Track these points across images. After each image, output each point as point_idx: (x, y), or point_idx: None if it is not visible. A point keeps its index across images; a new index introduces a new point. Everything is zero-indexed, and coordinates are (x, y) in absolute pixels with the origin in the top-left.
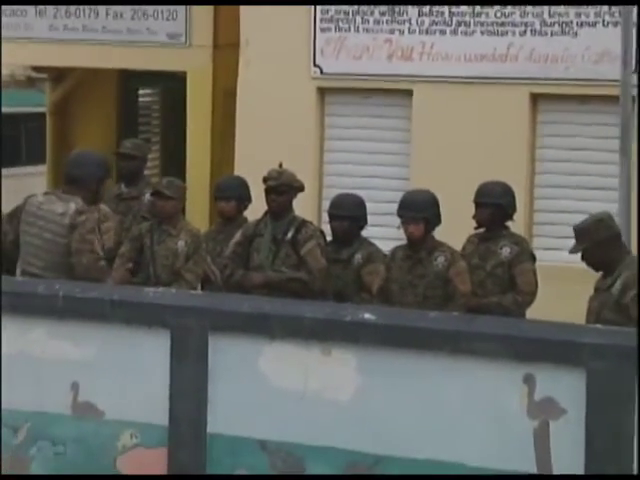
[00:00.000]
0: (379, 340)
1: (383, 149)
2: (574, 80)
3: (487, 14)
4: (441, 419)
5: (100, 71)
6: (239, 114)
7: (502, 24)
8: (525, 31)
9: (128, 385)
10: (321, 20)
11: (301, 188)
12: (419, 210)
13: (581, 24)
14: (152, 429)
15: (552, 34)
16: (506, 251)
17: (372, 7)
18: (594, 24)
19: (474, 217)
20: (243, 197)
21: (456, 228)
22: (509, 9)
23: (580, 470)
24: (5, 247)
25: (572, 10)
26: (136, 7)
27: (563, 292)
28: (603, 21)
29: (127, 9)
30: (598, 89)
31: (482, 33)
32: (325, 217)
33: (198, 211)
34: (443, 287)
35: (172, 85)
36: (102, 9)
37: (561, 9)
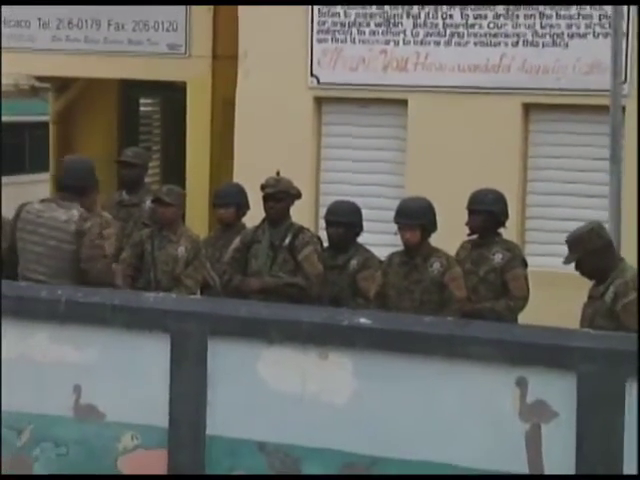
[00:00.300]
0: (375, 344)
1: (379, 157)
2: (565, 90)
3: (480, 25)
4: (436, 421)
5: (102, 81)
6: (238, 123)
7: (495, 35)
8: (517, 42)
9: (129, 388)
10: (318, 31)
11: (298, 195)
12: (416, 217)
13: (572, 35)
14: (152, 431)
15: (544, 45)
16: (498, 257)
17: (368, 19)
18: (584, 35)
19: (467, 224)
20: (241, 204)
21: (450, 234)
22: (502, 20)
23: (571, 471)
24: (2, 254)
25: (563, 22)
26: (137, 19)
27: (554, 297)
28: (593, 32)
29: (128, 20)
30: (588, 99)
31: (475, 44)
32: (322, 224)
33: (198, 217)
34: (439, 292)
35: (172, 95)
36: (104, 20)
37: (553, 21)
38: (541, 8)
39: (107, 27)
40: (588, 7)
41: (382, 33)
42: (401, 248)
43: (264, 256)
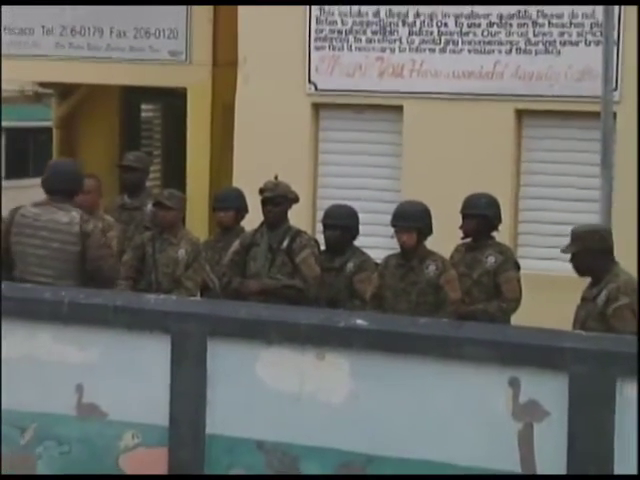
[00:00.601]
0: (371, 345)
1: (375, 162)
2: (557, 97)
3: (474, 33)
4: (431, 421)
5: (104, 87)
6: (237, 128)
7: (489, 43)
8: (511, 50)
9: (130, 387)
10: (316, 39)
11: (296, 199)
12: (412, 220)
13: (564, 43)
14: (153, 430)
15: (536, 53)
16: (491, 260)
17: (364, 27)
18: (576, 43)
19: (461, 227)
20: (241, 208)
21: (444, 238)
22: (495, 29)
23: (563, 470)
24: None
25: (555, 30)
26: (139, 26)
27: (546, 299)
28: (585, 40)
29: (130, 28)
30: (580, 105)
31: (469, 51)
32: (319, 227)
33: (198, 221)
34: (434, 294)
35: (173, 101)
36: (106, 28)
37: (545, 29)
38: (534, 16)
39: (109, 34)
40: (580, 15)
41: (378, 41)
42: (397, 251)
43: (263, 259)
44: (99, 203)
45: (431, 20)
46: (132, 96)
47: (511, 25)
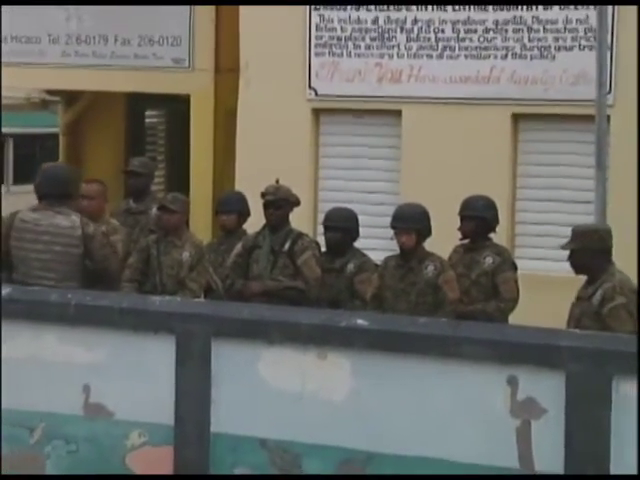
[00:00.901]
0: (372, 344)
1: (374, 165)
2: (553, 101)
3: (471, 39)
4: (430, 418)
5: (109, 94)
6: (239, 133)
7: (485, 48)
8: (506, 55)
9: (136, 387)
10: (316, 45)
11: (297, 202)
12: (411, 222)
13: (559, 48)
14: (159, 429)
15: (532, 58)
16: (489, 261)
17: (363, 33)
18: (571, 48)
19: (459, 229)
20: (243, 211)
21: (443, 239)
22: (491, 34)
23: (560, 465)
24: None
25: (550, 35)
26: (142, 34)
27: (543, 299)
28: (579, 45)
29: (134, 36)
30: (575, 109)
31: (466, 57)
32: (320, 229)
33: (201, 224)
34: (433, 294)
35: (176, 107)
36: (111, 36)
37: (540, 34)
38: (529, 22)
39: (114, 42)
40: (574, 21)
41: (377, 47)
42: (396, 252)
43: (265, 261)
44: (105, 208)
45: (428, 26)
46: (136, 103)
47: (507, 31)
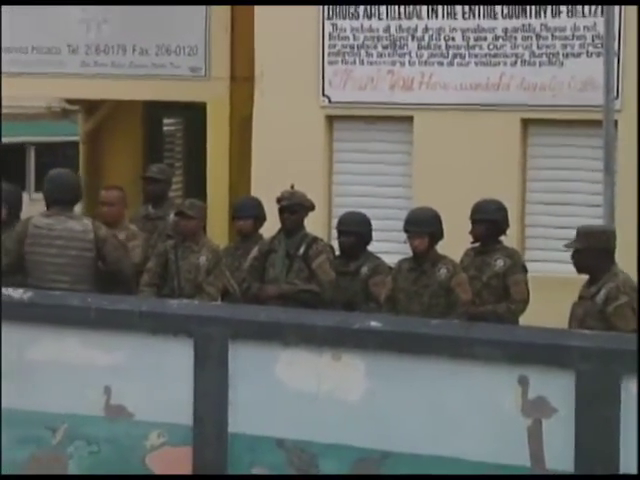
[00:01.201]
0: (385, 346)
1: (387, 171)
2: (561, 106)
3: (480, 47)
4: (443, 418)
5: (128, 103)
6: (255, 140)
7: (495, 55)
8: (516, 62)
9: (156, 389)
10: (329, 54)
11: (312, 207)
12: (424, 226)
13: (567, 55)
14: (178, 429)
15: (540, 64)
16: (500, 263)
17: (375, 41)
18: (579, 55)
19: (471, 232)
20: (259, 216)
21: (454, 242)
22: (501, 42)
23: (570, 464)
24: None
25: (558, 42)
26: (160, 44)
27: (553, 300)
28: (587, 52)
29: (152, 46)
30: (583, 114)
31: (476, 64)
32: (334, 233)
33: (218, 229)
34: (446, 296)
35: (193, 114)
36: (129, 46)
37: (549, 41)
38: (537, 30)
39: (132, 52)
40: (582, 28)
41: (389, 55)
42: (409, 255)
43: (280, 264)
44: (124, 214)
45: (439, 34)
46: (154, 111)
47: (516, 38)
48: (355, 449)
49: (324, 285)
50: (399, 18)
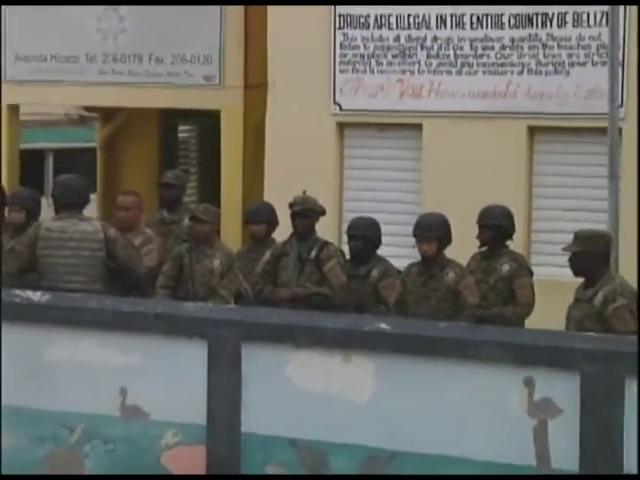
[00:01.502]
0: (394, 348)
1: (396, 177)
2: (566, 114)
3: (488, 56)
4: (450, 418)
5: (144, 110)
6: (267, 147)
7: (502, 64)
8: (522, 71)
9: (170, 389)
10: (340, 62)
11: (323, 212)
12: (432, 230)
13: (572, 64)
14: (192, 428)
15: (546, 73)
16: (506, 267)
17: (385, 51)
18: (584, 64)
19: (478, 237)
20: (271, 221)
21: (462, 247)
22: (508, 51)
23: (575, 463)
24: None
25: (564, 52)
26: (175, 53)
27: (558, 304)
28: (592, 61)
29: (167, 55)
30: (588, 122)
31: (484, 73)
32: (345, 238)
33: (231, 233)
34: (453, 299)
35: (208, 122)
36: (145, 55)
37: (554, 51)
38: (544, 39)
39: (148, 61)
40: (587, 38)
41: (398, 64)
42: (418, 259)
43: (292, 268)
44: (140, 218)
45: (448, 44)
46: (170, 118)
47: (522, 48)
48: (365, 448)
49: (335, 288)
50: (409, 28)
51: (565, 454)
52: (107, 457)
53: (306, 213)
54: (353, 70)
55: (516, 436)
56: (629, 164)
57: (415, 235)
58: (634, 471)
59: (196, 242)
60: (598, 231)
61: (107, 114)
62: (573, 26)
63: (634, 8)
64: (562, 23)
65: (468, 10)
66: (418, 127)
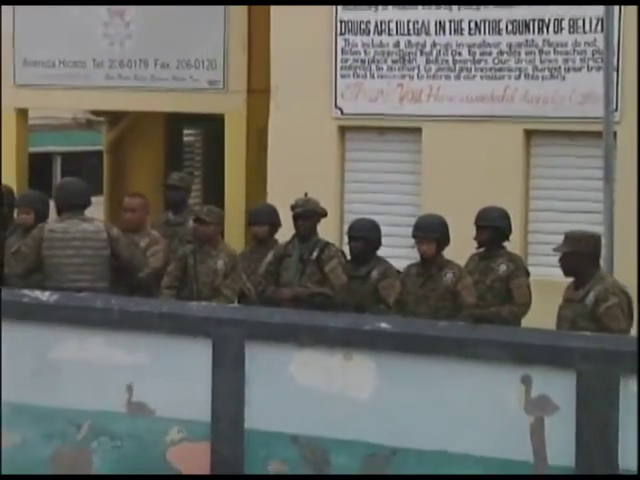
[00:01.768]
0: (394, 346)
1: (396, 179)
2: (563, 118)
3: (486, 61)
4: (449, 415)
5: (150, 114)
6: (270, 150)
7: (499, 69)
8: (519, 75)
9: (175, 387)
10: (341, 68)
11: (324, 214)
12: (431, 231)
13: (568, 69)
14: (196, 425)
15: (543, 78)
16: (503, 268)
17: (385, 56)
18: (579, 69)
19: (475, 238)
20: (274, 222)
21: (460, 248)
22: (505, 56)
23: (571, 459)
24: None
25: (560, 57)
26: (180, 58)
27: (554, 303)
28: (587, 66)
29: (172, 60)
30: (584, 126)
31: (482, 77)
32: (346, 239)
33: (235, 234)
34: (452, 299)
35: (212, 125)
36: (151, 60)
37: (551, 56)
38: (540, 45)
39: (154, 66)
40: (582, 43)
41: (398, 69)
42: (417, 260)
43: (294, 268)
44: (146, 220)
45: (446, 49)
46: (175, 122)
47: (519, 53)
48: (366, 445)
49: (336, 288)
50: (408, 34)
51: (561, 450)
52: (114, 453)
53: (308, 215)
54: (354, 75)
55: (514, 432)
56: (623, 167)
57: (414, 236)
58: (629, 467)
59: (200, 243)
60: (588, 232)
61: (114, 118)
62: (569, 32)
63: (629, 13)
64: (558, 29)
65: (466, 16)
66: (417, 131)
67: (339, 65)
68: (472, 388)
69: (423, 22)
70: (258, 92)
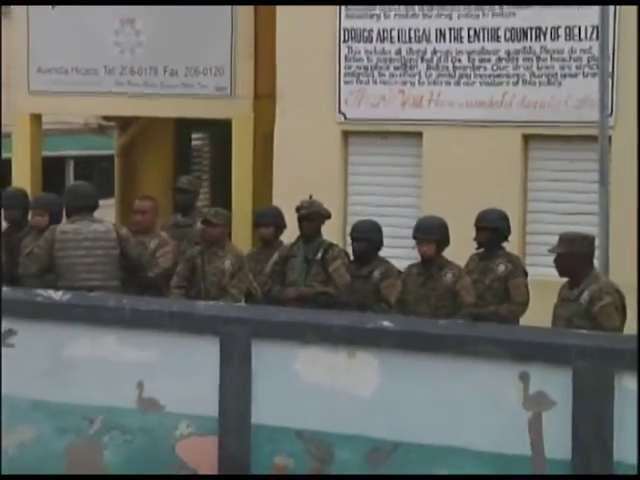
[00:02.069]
0: (396, 344)
1: (398, 182)
2: (559, 123)
3: (485, 67)
4: (449, 411)
5: (159, 120)
6: (276, 154)
7: (498, 76)
8: (517, 81)
9: (185, 383)
10: (345, 74)
11: (328, 216)
12: (432, 232)
13: (564, 75)
14: (205, 420)
15: (540, 84)
16: (502, 268)
17: (387, 63)
18: (575, 75)
19: (475, 239)
20: (280, 224)
21: (460, 248)
22: (504, 63)
23: (568, 453)
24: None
25: (557, 63)
26: (189, 65)
27: (551, 302)
28: (583, 72)
29: (181, 67)
30: (580, 130)
31: (481, 84)
32: (349, 240)
33: (242, 236)
34: (451, 299)
35: (219, 130)
36: (160, 68)
37: (548, 63)
38: (537, 52)
39: (163, 73)
40: (578, 50)
41: (400, 75)
42: (418, 260)
43: (299, 269)
44: (156, 222)
45: (446, 56)
46: (183, 127)
47: (517, 60)
48: (368, 439)
49: (340, 288)
50: (410, 41)
51: (558, 444)
52: (125, 447)
53: (312, 216)
54: (357, 81)
55: (512, 427)
56: (618, 170)
57: (415, 237)
58: (623, 459)
59: (208, 244)
60: (581, 233)
61: (124, 123)
62: (565, 39)
63: (624, 21)
64: (555, 37)
65: (466, 24)
66: (418, 135)
67: (343, 72)
68: (472, 384)
69: (424, 30)
70: (264, 98)
